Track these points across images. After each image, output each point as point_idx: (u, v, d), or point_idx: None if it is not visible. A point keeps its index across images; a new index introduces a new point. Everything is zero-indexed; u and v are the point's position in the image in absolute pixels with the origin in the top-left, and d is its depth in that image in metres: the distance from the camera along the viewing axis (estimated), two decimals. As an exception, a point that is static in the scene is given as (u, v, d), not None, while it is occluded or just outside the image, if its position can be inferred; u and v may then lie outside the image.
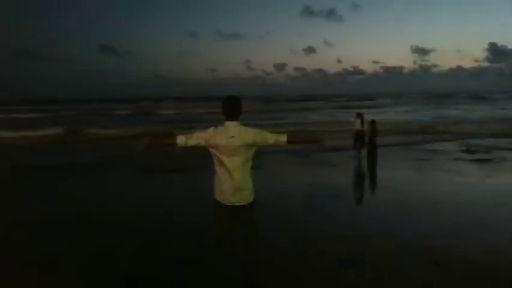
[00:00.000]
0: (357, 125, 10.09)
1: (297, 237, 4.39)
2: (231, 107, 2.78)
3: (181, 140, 2.73)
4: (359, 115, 10.29)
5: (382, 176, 8.30)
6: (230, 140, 2.70)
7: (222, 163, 2.76)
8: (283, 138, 2.87)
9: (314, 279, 3.39)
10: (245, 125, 2.82)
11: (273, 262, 3.61)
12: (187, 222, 4.97)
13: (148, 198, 6.45)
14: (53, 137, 14.78)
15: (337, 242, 4.24)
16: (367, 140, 10.12)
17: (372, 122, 10.30)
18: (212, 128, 2.77)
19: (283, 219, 5.02)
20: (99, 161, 10.29)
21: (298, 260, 3.76)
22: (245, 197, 2.81)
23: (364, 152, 10.01)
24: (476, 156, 10.25)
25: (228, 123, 2.76)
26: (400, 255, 3.89)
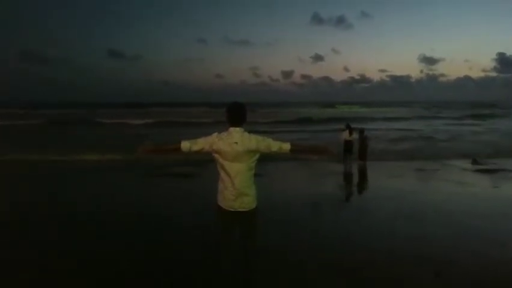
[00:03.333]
0: (346, 135, 10.68)
1: (296, 244, 4.53)
2: (236, 113, 2.90)
3: (185, 145, 2.86)
4: (347, 126, 10.98)
5: (384, 186, 8.49)
6: (233, 146, 2.81)
7: (224, 169, 2.87)
8: (287, 146, 2.94)
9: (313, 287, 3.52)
10: (249, 132, 2.92)
11: (271, 268, 3.74)
12: (188, 225, 5.18)
13: (151, 200, 6.69)
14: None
15: (336, 250, 4.39)
16: (356, 150, 10.73)
17: (361, 132, 10.91)
18: (215, 134, 2.89)
19: (284, 225, 5.20)
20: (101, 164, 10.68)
21: (297, 267, 3.88)
22: (247, 203, 2.90)
23: (353, 160, 10.57)
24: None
25: (231, 129, 2.87)
26: (400, 264, 4.00)
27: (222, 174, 2.93)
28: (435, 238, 4.85)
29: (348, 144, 10.60)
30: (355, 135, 10.80)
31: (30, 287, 3.50)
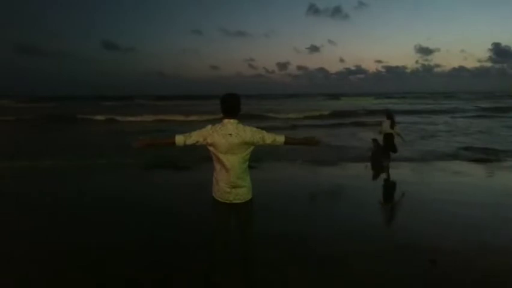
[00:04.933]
0: (386, 126, 9.09)
1: (296, 237, 4.63)
2: (230, 105, 2.98)
3: (179, 139, 2.95)
4: (389, 115, 9.35)
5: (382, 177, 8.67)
6: (227, 138, 2.90)
7: (219, 161, 2.96)
8: (281, 138, 3.09)
9: (310, 279, 3.60)
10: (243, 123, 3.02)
11: (268, 260, 3.82)
12: (185, 219, 5.31)
13: (148, 195, 6.82)
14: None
15: (334, 242, 4.51)
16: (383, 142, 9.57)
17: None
18: (209, 126, 2.98)
19: (282, 218, 5.37)
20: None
21: (294, 260, 3.98)
22: (242, 194, 3.02)
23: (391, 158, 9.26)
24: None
25: (226, 121, 2.96)
26: (397, 254, 4.16)
27: (217, 166, 3.03)
28: (432, 227, 5.07)
29: (388, 139, 9.00)
30: (398, 128, 9.15)
31: (30, 287, 3.56)
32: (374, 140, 10.03)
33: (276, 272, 3.69)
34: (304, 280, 3.58)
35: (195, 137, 2.96)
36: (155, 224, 5.21)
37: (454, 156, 10.99)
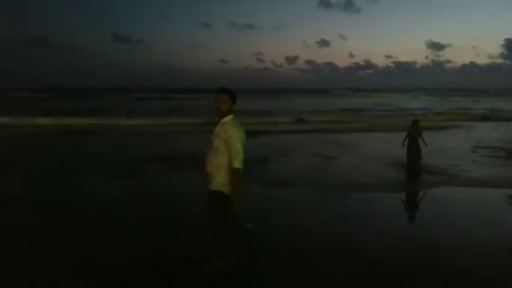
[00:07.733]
0: None
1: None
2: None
3: (240, 165, 3.14)
4: None
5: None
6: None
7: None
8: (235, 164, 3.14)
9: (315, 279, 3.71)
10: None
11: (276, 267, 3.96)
12: (187, 211, 5.58)
13: (152, 190, 7.10)
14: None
15: (338, 241, 4.70)
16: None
17: (415, 122, 8.95)
18: (236, 127, 3.25)
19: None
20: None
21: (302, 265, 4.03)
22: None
23: None
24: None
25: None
26: (403, 252, 4.38)
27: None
28: (437, 227, 5.28)
29: None
30: None
31: (27, 285, 3.64)
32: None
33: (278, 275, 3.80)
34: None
35: (243, 150, 3.20)
36: (158, 218, 5.42)
37: None
